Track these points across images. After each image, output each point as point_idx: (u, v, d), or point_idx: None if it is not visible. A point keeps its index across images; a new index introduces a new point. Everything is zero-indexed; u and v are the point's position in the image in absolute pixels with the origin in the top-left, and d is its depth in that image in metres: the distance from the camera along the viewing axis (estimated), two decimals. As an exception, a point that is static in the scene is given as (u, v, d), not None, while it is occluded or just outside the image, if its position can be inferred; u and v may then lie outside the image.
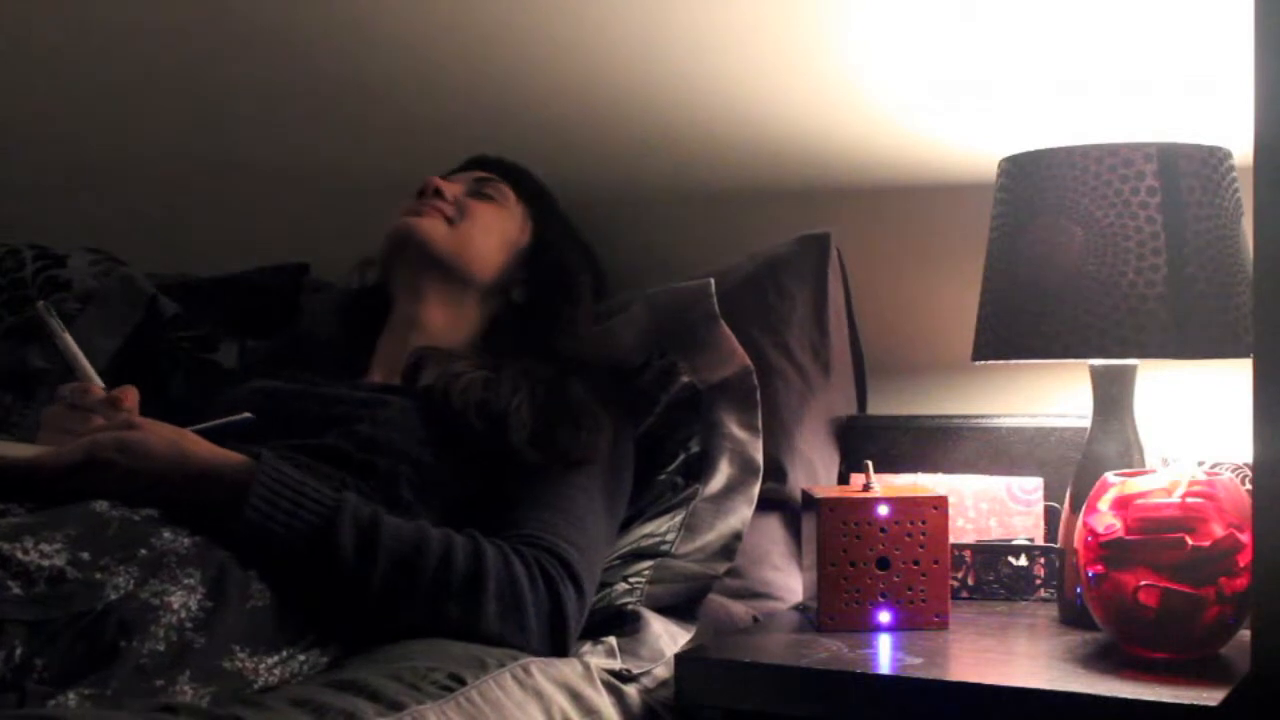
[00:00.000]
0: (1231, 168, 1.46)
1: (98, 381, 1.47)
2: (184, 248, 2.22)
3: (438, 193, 1.71)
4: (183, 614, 1.18)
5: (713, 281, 1.68)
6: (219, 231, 2.25)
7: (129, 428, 1.32)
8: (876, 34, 1.82)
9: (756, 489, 1.59)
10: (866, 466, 1.48)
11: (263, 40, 2.21)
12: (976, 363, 1.54)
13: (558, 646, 1.35)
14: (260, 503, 1.27)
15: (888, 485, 1.49)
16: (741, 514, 1.57)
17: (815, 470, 1.72)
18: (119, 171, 2.33)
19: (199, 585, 1.20)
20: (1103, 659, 1.31)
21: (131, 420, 1.34)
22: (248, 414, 1.45)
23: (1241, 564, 1.26)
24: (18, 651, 1.10)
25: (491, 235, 1.71)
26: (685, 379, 1.63)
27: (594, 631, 1.42)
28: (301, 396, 1.55)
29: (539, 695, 1.24)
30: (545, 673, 1.27)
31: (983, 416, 1.73)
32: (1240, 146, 1.40)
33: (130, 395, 1.43)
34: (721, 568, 1.55)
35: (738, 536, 1.56)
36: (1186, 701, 1.17)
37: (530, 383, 1.54)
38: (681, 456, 1.61)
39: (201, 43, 2.25)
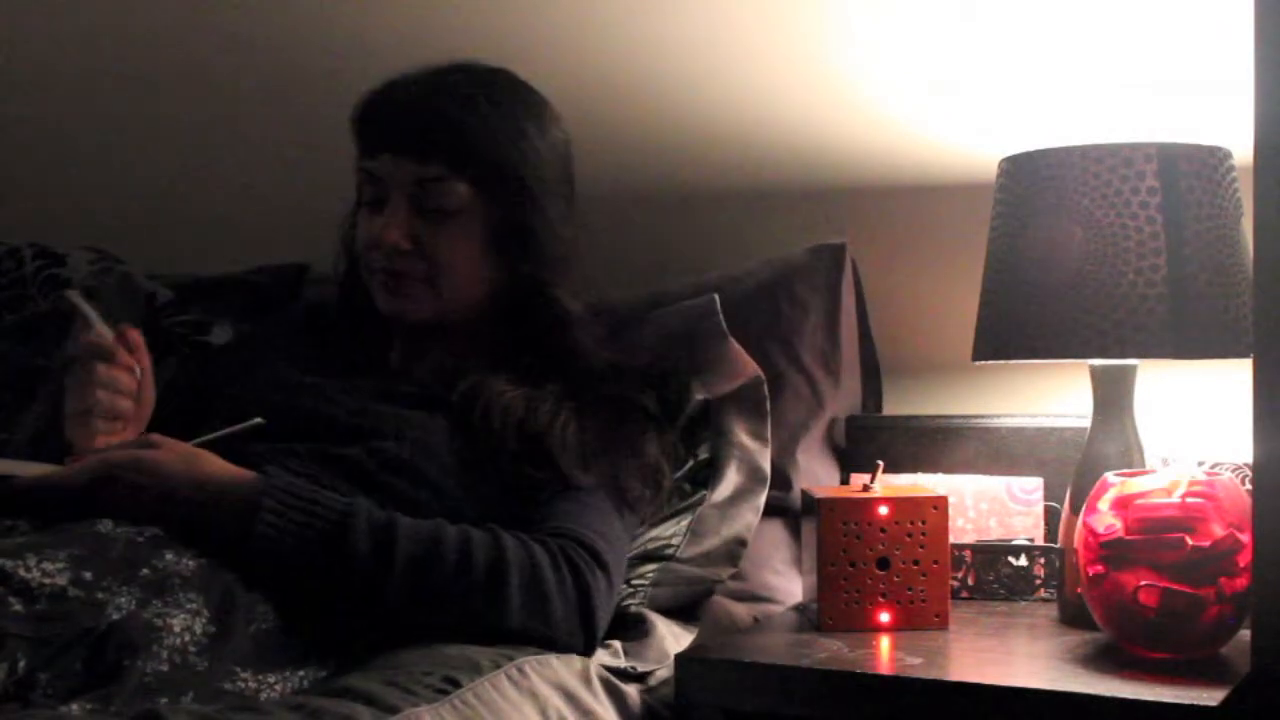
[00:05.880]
0: (1231, 168, 1.45)
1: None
2: (184, 248, 2.22)
3: (398, 252, 1.49)
4: (185, 637, 1.17)
5: (716, 298, 1.67)
6: (218, 231, 2.25)
7: (146, 446, 1.31)
8: (876, 34, 1.82)
9: (763, 497, 1.59)
10: (877, 467, 1.48)
11: (263, 39, 2.21)
12: (976, 363, 1.54)
13: (588, 636, 1.34)
14: (273, 517, 1.27)
15: (888, 485, 1.49)
16: (747, 521, 1.56)
17: (818, 479, 1.73)
18: (119, 171, 2.33)
19: (203, 609, 1.20)
20: (1103, 659, 1.31)
21: (149, 438, 1.33)
22: (258, 419, 1.43)
23: (1241, 564, 1.26)
24: (20, 665, 1.09)
25: (469, 265, 1.51)
26: (700, 396, 1.61)
27: (597, 635, 1.42)
28: (326, 398, 1.49)
29: (534, 696, 1.23)
30: (540, 674, 1.26)
31: (983, 416, 1.72)
32: (1240, 146, 1.40)
33: (134, 335, 1.44)
34: (725, 573, 1.54)
35: (742, 543, 1.55)
36: (1186, 701, 1.17)
37: (575, 405, 1.48)
38: (690, 463, 1.60)
39: (202, 41, 2.25)
